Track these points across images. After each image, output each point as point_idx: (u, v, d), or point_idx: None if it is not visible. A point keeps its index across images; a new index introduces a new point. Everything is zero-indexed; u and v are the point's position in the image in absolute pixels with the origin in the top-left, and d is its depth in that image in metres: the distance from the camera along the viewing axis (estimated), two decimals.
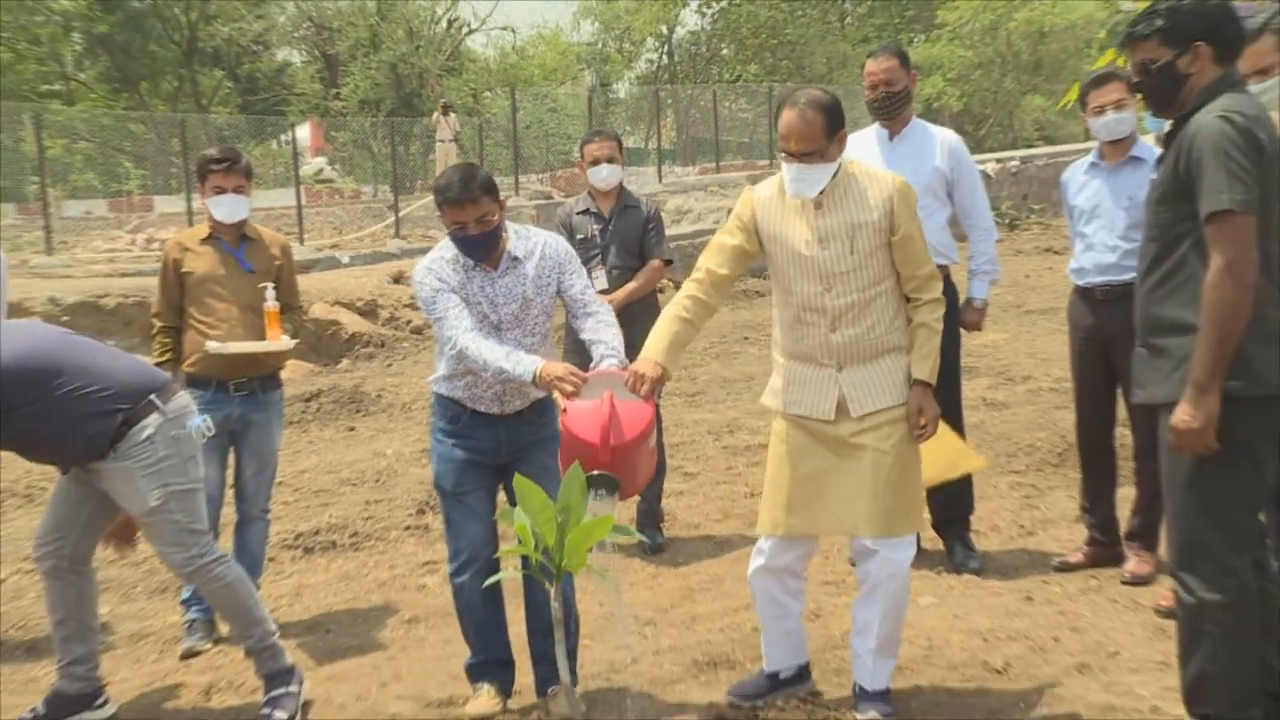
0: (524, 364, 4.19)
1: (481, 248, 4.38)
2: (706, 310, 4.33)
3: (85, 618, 4.69)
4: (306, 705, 4.70)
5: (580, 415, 4.03)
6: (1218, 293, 3.48)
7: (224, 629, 5.40)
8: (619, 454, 3.98)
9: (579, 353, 4.56)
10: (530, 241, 4.52)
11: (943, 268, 5.46)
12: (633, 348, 4.43)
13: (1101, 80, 5.54)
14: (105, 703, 4.74)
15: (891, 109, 5.71)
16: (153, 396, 4.45)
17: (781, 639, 4.44)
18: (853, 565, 5.18)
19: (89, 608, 4.71)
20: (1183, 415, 3.54)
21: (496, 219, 4.36)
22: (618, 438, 3.98)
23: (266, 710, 4.57)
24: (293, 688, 4.64)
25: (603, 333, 4.43)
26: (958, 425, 5.72)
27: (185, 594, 5.52)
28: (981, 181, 5.95)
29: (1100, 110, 5.51)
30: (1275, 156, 3.57)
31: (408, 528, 7.17)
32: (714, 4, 41.21)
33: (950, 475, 5.33)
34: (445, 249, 4.47)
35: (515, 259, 4.46)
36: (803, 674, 4.50)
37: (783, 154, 4.15)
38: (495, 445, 4.51)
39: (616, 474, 3.98)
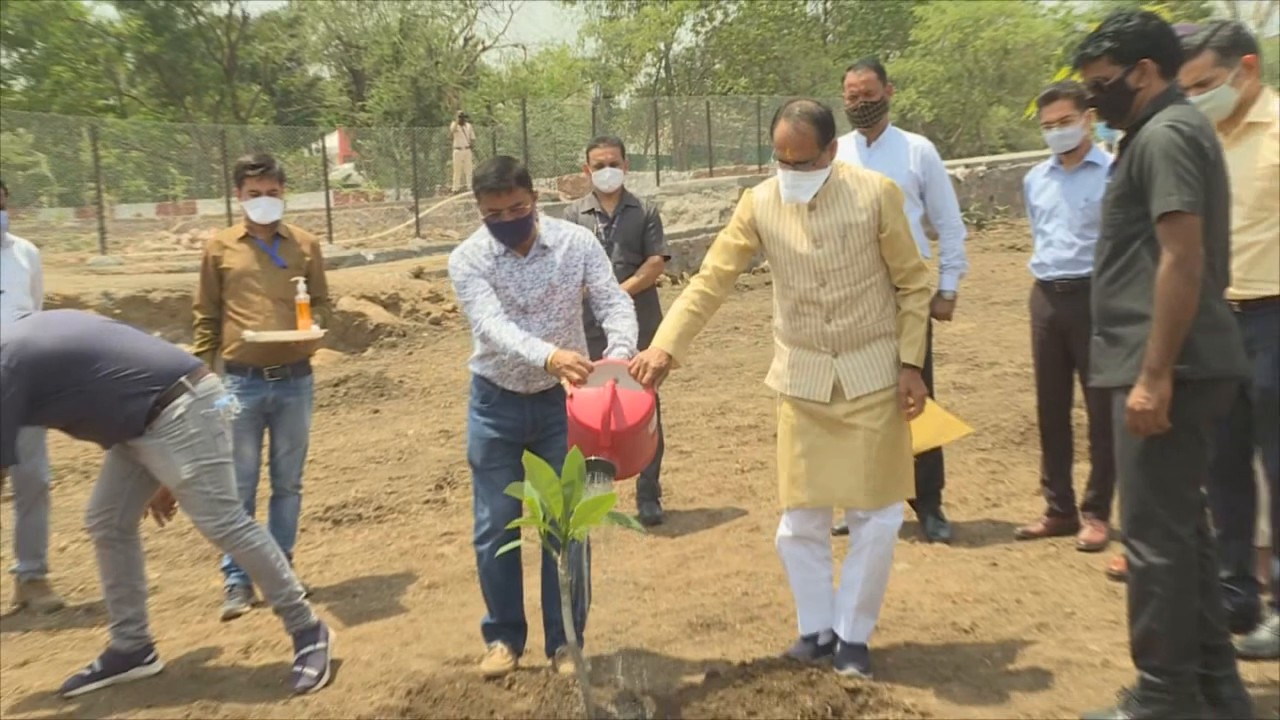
0: (537, 350, 4.16)
1: (513, 234, 4.35)
2: (713, 303, 4.31)
3: (134, 582, 4.70)
4: (335, 662, 4.70)
5: (584, 402, 4.01)
6: (1169, 286, 3.49)
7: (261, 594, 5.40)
8: (619, 439, 3.96)
9: (597, 341, 4.55)
10: (560, 233, 4.49)
11: None
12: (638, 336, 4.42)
13: (1049, 98, 5.56)
14: (155, 659, 4.76)
15: (870, 117, 5.70)
16: (183, 378, 4.46)
17: (812, 602, 4.39)
18: (836, 533, 5.16)
19: (138, 573, 4.72)
20: (1138, 398, 3.54)
21: (529, 208, 4.33)
22: (618, 424, 3.95)
23: (299, 668, 4.58)
24: (320, 644, 4.65)
25: (619, 323, 4.40)
26: None
27: (225, 561, 5.52)
28: (951, 184, 5.94)
29: (1049, 125, 5.52)
30: (1217, 162, 3.59)
31: (427, 501, 7.17)
32: (708, 23, 41.10)
33: (940, 441, 5.33)
34: (480, 236, 4.44)
35: (544, 247, 4.42)
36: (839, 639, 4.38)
37: (779, 161, 4.13)
38: (521, 423, 4.47)
39: (617, 456, 3.96)
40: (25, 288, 5.64)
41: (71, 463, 8.27)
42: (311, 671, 4.54)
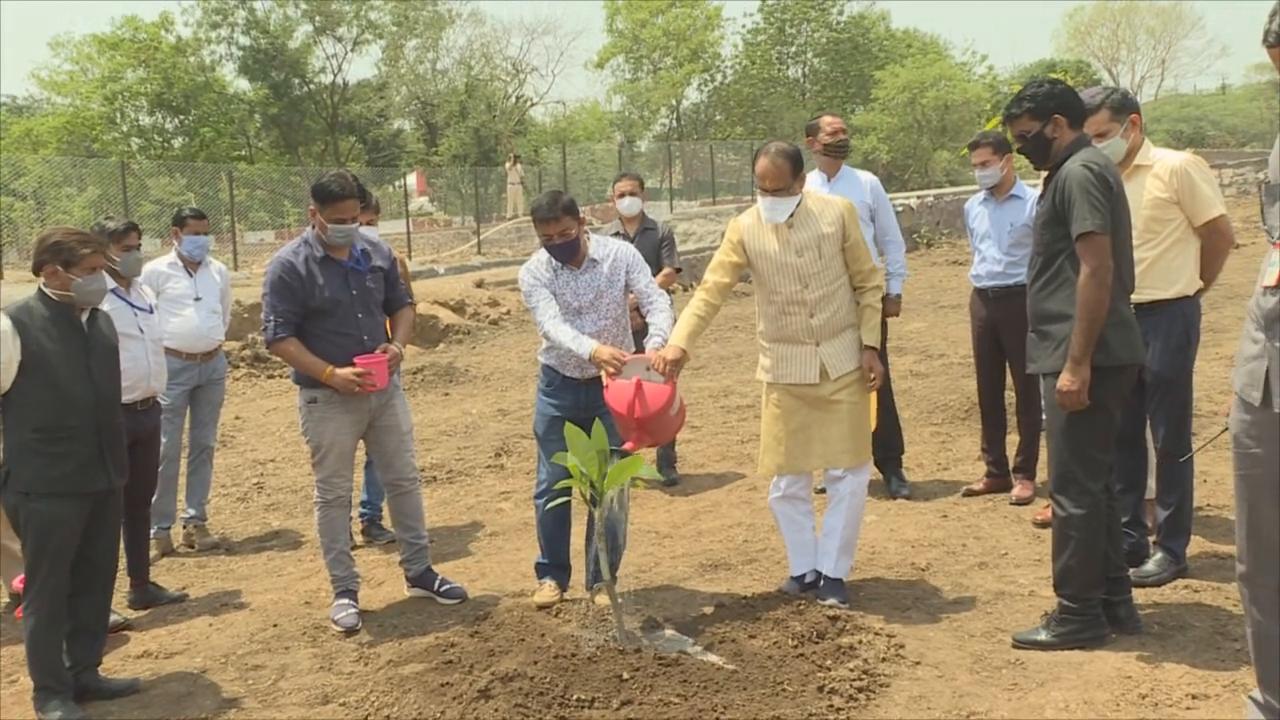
0: (584, 345, 4.17)
1: (563, 253, 4.33)
2: (713, 309, 4.30)
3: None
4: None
5: (615, 392, 4.03)
6: (1087, 292, 3.53)
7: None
8: (643, 423, 3.97)
9: (640, 333, 4.54)
10: (606, 248, 4.47)
11: None
12: None
13: (973, 146, 5.58)
14: None
15: (843, 151, 5.68)
16: None
17: (799, 548, 4.37)
18: (816, 493, 5.12)
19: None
20: (1064, 381, 3.57)
21: (575, 232, 4.31)
22: (642, 410, 3.96)
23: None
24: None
25: (657, 317, 4.39)
26: (886, 388, 5.69)
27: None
28: (892, 208, 5.91)
29: (975, 167, 5.53)
30: (1120, 193, 3.65)
31: (488, 466, 7.15)
32: (710, 83, 41.15)
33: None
34: (543, 253, 4.43)
35: (593, 260, 4.41)
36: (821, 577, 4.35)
37: (760, 190, 4.14)
38: (576, 402, 4.44)
39: (645, 433, 3.98)
40: (218, 297, 5.82)
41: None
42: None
